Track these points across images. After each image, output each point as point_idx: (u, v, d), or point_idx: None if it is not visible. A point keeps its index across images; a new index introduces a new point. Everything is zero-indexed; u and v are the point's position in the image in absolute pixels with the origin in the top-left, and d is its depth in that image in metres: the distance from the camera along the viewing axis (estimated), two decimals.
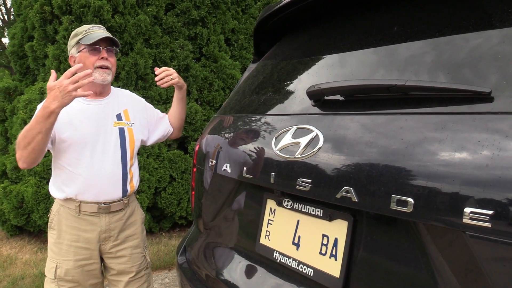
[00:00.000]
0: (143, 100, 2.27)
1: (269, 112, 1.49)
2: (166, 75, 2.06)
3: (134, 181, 2.10)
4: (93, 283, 2.05)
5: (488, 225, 0.78)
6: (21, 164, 1.82)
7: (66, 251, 1.98)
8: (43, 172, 4.12)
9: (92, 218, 1.99)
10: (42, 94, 4.13)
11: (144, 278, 2.16)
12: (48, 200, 4.13)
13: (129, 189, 2.06)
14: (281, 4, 1.66)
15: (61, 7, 3.98)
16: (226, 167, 1.54)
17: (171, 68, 2.09)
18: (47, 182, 4.18)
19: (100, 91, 2.02)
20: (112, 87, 2.14)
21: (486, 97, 0.88)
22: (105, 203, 1.98)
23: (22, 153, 1.77)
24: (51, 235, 2.03)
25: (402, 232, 0.97)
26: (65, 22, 3.98)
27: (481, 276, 0.82)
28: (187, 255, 1.86)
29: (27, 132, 1.71)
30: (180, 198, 4.60)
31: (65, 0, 3.94)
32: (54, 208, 2.04)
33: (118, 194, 2.01)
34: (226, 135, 1.65)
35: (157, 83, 2.07)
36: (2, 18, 18.87)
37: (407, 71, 1.10)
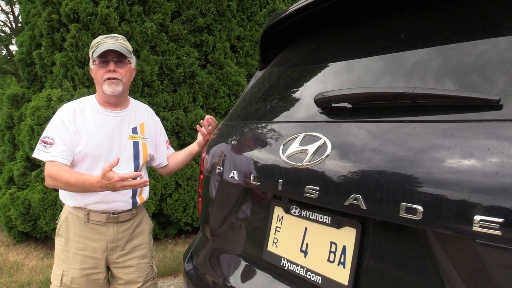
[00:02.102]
0: (159, 120, 2.29)
1: (276, 119, 1.50)
2: (212, 128, 2.13)
3: (144, 194, 2.11)
4: None
5: (498, 233, 0.78)
6: (47, 185, 1.96)
7: (72, 259, 1.98)
8: None
9: (100, 228, 2.00)
10: (49, 101, 4.16)
11: (152, 287, 2.16)
12: (55, 206, 4.14)
13: (138, 201, 2.07)
14: (287, 12, 1.67)
15: (68, 15, 4.02)
16: (233, 174, 1.54)
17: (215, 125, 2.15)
18: (54, 189, 4.20)
19: (116, 102, 2.03)
20: (132, 99, 2.15)
21: (495, 105, 0.88)
22: (113, 213, 2.00)
23: (54, 186, 1.92)
24: (59, 242, 2.03)
25: (411, 239, 0.97)
26: (73, 30, 4.02)
27: (491, 284, 0.81)
28: (194, 262, 1.85)
29: (67, 185, 1.85)
30: (185, 204, 4.61)
31: (73, 8, 3.98)
32: (63, 215, 2.05)
33: (128, 206, 2.03)
34: (233, 142, 1.66)
35: (204, 126, 2.13)
36: (10, 26, 19.08)
37: (414, 78, 1.10)
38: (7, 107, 4.85)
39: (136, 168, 2.04)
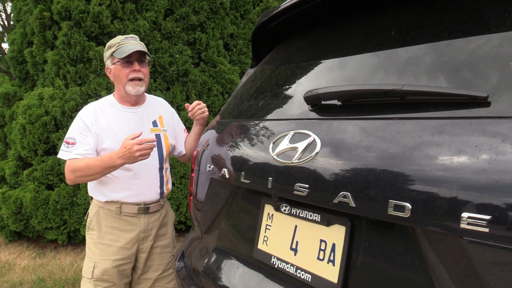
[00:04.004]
0: (174, 111, 2.36)
1: (267, 117, 1.49)
2: (198, 109, 2.13)
3: (169, 183, 2.22)
4: (126, 282, 2.12)
5: (486, 230, 0.78)
6: (68, 182, 2.01)
7: (105, 251, 2.04)
8: (41, 177, 4.11)
9: (131, 219, 2.07)
10: (41, 100, 4.13)
11: (171, 276, 2.23)
12: (47, 205, 4.11)
13: (165, 191, 2.18)
14: (279, 9, 1.66)
15: (60, 13, 3.99)
16: (224, 172, 1.53)
17: (201, 102, 2.16)
18: (46, 187, 4.17)
19: (135, 101, 2.12)
20: (146, 94, 2.22)
21: (483, 102, 0.88)
22: (145, 204, 2.08)
23: (75, 179, 1.97)
24: (91, 236, 2.10)
25: (399, 237, 0.96)
26: (64, 28, 3.98)
27: (479, 281, 0.81)
28: (185, 260, 1.85)
29: (87, 169, 1.90)
30: (179, 203, 4.59)
31: (65, 6, 3.95)
32: (93, 209, 2.11)
33: (156, 196, 2.12)
34: (224, 140, 1.65)
35: (191, 117, 2.16)
36: (2, 23, 18.92)
37: (405, 75, 1.10)
38: None
39: (161, 159, 2.13)
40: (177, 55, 4.51)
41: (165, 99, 4.39)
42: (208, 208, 1.73)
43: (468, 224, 0.80)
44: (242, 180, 1.40)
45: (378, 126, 1.05)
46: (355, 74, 1.27)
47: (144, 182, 2.06)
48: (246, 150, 1.45)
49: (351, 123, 1.11)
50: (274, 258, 1.31)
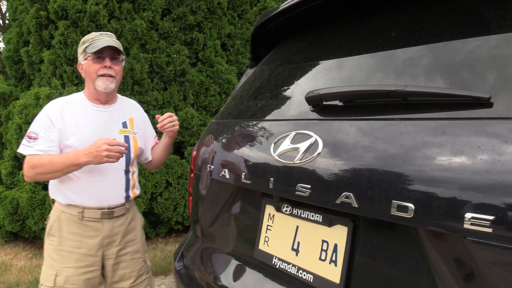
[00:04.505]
0: (146, 115, 2.28)
1: (267, 118, 1.49)
2: (169, 121, 2.04)
3: (136, 188, 2.12)
4: None
5: (489, 230, 0.78)
6: (26, 179, 1.94)
7: (67, 258, 1.95)
8: None
9: (95, 224, 1.98)
10: (37, 99, 4.11)
11: (145, 282, 2.16)
12: (43, 206, 4.09)
13: (131, 195, 2.08)
14: (278, 9, 1.66)
15: (57, 12, 3.97)
16: (224, 172, 1.53)
17: (174, 115, 2.08)
18: (43, 188, 4.15)
19: (105, 99, 2.03)
20: (118, 95, 2.15)
21: (485, 103, 0.88)
22: (108, 208, 1.99)
23: (34, 176, 1.89)
24: (51, 242, 1.99)
25: (402, 237, 0.97)
26: (61, 27, 3.96)
27: (482, 282, 0.82)
28: (185, 260, 1.84)
29: (50, 165, 1.82)
30: (176, 203, 4.58)
31: (61, 5, 3.93)
32: (54, 214, 2.01)
33: (121, 200, 2.03)
34: (223, 140, 1.65)
35: (159, 129, 2.05)
36: None
37: (405, 76, 1.11)
38: None
39: (128, 161, 2.04)
40: (175, 55, 4.50)
41: (162, 99, 4.45)
42: (208, 209, 1.72)
43: (472, 224, 0.80)
44: (243, 180, 1.40)
45: (380, 126, 1.05)
46: (355, 75, 1.27)
47: (108, 184, 1.97)
48: (247, 151, 1.45)
49: (353, 124, 1.12)
50: (275, 258, 1.31)
